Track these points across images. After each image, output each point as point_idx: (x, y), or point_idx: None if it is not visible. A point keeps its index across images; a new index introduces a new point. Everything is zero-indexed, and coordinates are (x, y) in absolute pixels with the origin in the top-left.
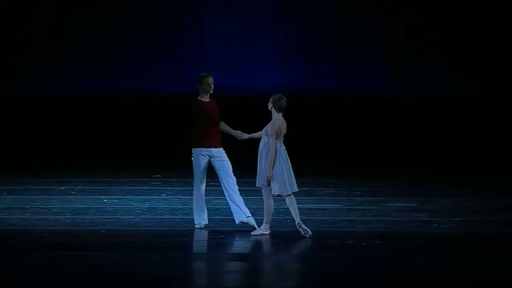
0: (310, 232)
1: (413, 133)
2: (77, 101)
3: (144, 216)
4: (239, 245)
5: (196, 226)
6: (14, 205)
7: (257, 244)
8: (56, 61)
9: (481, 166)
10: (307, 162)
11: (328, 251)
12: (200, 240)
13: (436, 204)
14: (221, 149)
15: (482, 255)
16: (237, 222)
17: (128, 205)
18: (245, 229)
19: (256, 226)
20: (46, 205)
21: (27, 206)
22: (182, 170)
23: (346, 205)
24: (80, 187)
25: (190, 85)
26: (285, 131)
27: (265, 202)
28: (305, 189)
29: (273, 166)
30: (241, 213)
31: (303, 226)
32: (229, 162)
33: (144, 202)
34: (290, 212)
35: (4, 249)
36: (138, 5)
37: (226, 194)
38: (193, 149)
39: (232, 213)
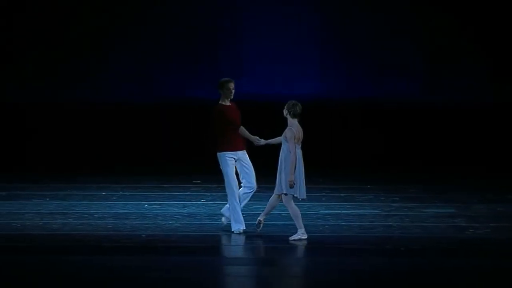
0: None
1: (450, 139)
2: (117, 107)
3: (184, 222)
4: (276, 250)
5: (236, 232)
6: (56, 210)
7: (293, 249)
8: (96, 67)
9: None
10: (343, 168)
11: (365, 256)
12: (237, 245)
13: (473, 209)
14: (245, 151)
15: None
16: (221, 210)
17: (168, 211)
18: (283, 234)
19: (227, 223)
20: (88, 210)
21: (70, 211)
22: (222, 176)
23: (383, 211)
24: (121, 192)
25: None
26: (302, 137)
27: (288, 209)
28: (342, 194)
29: (294, 170)
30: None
31: (262, 225)
32: (252, 166)
33: (184, 207)
34: (265, 206)
35: (48, 252)
36: (177, 13)
37: (239, 192)
38: (218, 153)
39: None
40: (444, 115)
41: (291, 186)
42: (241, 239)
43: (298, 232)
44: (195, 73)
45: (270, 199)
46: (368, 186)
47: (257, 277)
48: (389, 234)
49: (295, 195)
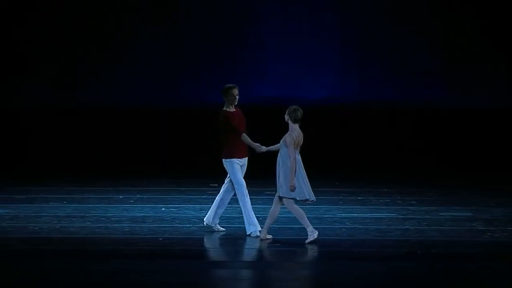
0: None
1: (467, 142)
2: (135, 111)
3: (200, 225)
4: (292, 253)
5: (252, 235)
6: (74, 214)
7: (309, 253)
8: (113, 71)
9: None
10: (359, 171)
11: (382, 260)
12: (253, 248)
13: (490, 213)
14: (247, 158)
15: None
16: (205, 222)
17: (185, 214)
18: (299, 237)
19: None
20: (105, 213)
21: (87, 215)
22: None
23: (400, 214)
24: (138, 195)
25: (246, 96)
26: (302, 142)
27: (292, 212)
28: (359, 198)
29: (294, 175)
30: (212, 217)
31: (267, 237)
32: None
33: (201, 210)
34: (268, 216)
35: (64, 255)
36: (200, 17)
37: (221, 194)
38: (226, 160)
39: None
40: (461, 117)
41: (292, 191)
42: (257, 242)
43: (309, 234)
44: (211, 78)
45: (270, 211)
46: (385, 190)
47: (273, 280)
48: (406, 237)
49: (296, 198)
